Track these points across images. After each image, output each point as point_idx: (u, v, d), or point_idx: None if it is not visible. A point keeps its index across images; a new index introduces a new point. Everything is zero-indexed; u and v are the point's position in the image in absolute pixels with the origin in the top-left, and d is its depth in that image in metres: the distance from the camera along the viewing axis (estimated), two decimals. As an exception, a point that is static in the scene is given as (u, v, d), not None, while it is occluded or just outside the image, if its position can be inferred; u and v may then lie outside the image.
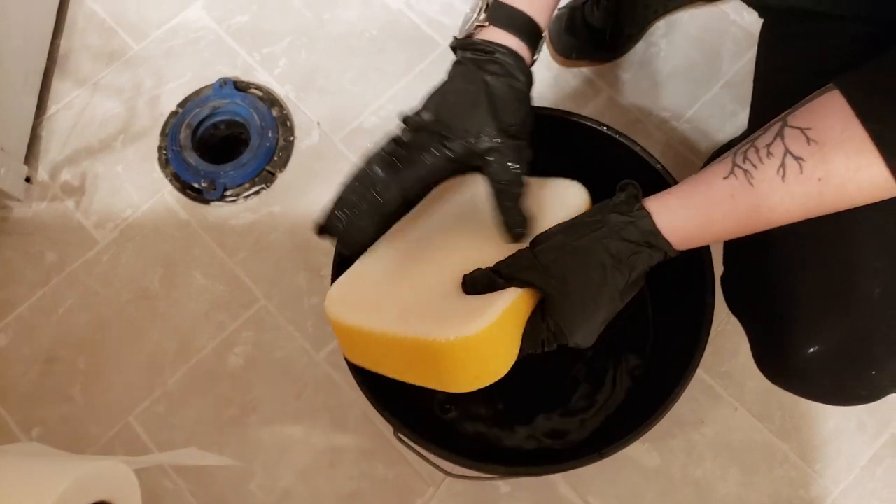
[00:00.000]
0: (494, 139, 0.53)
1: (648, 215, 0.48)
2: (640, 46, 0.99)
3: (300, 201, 0.95)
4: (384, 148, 0.55)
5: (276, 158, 0.96)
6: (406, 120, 0.55)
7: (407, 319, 0.51)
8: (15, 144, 0.94)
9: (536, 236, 0.51)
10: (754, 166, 0.45)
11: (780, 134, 0.45)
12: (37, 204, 0.96)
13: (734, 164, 0.46)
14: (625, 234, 0.48)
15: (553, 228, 0.51)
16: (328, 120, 0.99)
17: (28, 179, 0.96)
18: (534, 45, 0.56)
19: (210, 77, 1.01)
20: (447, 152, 0.53)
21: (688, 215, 0.48)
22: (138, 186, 0.96)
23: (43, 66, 1.01)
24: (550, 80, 0.99)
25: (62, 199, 0.96)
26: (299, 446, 0.84)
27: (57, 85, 1.02)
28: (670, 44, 1.00)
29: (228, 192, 0.95)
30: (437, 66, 1.01)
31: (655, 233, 0.48)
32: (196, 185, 0.95)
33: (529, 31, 0.54)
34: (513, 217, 0.55)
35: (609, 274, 0.48)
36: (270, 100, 0.99)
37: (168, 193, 0.96)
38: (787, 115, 0.46)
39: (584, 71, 0.99)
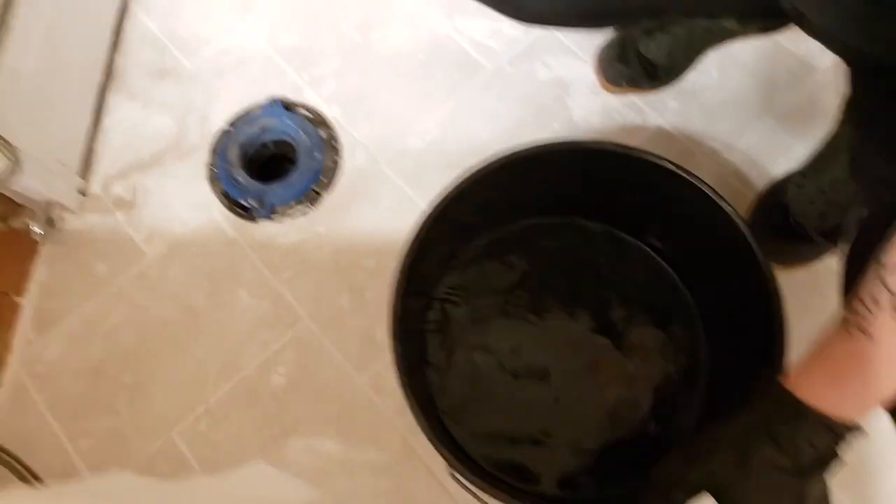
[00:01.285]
0: None
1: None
2: (690, 74, 0.98)
3: (345, 222, 0.96)
4: None
5: (322, 179, 0.97)
6: None
7: None
8: (72, 157, 0.96)
9: None
10: (865, 318, 0.44)
11: (878, 276, 0.44)
12: (89, 216, 0.98)
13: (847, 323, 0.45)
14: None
15: None
16: (374, 142, 1.00)
17: (82, 192, 0.98)
18: None
19: (260, 96, 1.03)
20: None
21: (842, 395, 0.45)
22: (187, 202, 0.98)
23: (99, 80, 1.03)
24: (598, 107, 0.98)
25: (113, 213, 0.98)
26: (338, 469, 0.84)
27: (112, 99, 1.04)
28: (722, 72, 0.99)
29: (275, 211, 0.96)
30: (482, 91, 1.01)
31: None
32: (244, 203, 0.96)
33: None
34: None
35: None
36: (318, 120, 1.00)
37: (216, 210, 0.97)
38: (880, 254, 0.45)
39: (633, 98, 0.98)
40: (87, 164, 1.00)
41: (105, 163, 1.01)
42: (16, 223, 0.78)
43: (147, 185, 0.99)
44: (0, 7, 0.82)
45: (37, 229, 0.77)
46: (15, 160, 0.70)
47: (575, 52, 1.02)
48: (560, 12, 0.67)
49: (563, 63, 1.02)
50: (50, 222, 0.79)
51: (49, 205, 0.91)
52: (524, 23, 0.69)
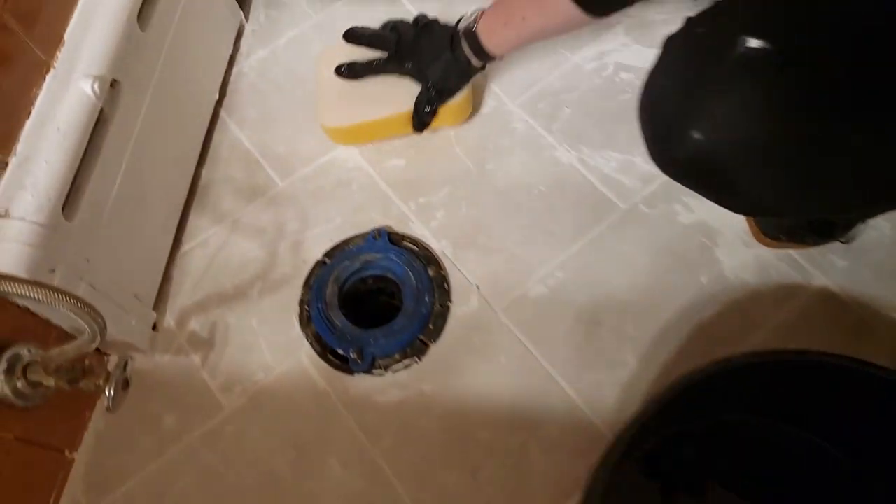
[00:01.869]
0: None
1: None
2: (857, 227, 0.86)
3: (455, 381, 0.82)
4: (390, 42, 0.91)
5: (430, 327, 0.84)
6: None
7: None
8: (147, 290, 0.85)
9: None
10: None
11: None
12: (160, 356, 0.85)
13: None
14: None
15: None
16: (489, 285, 0.87)
17: (154, 327, 0.86)
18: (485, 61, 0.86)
19: (360, 224, 0.92)
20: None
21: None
22: (273, 345, 0.85)
23: (184, 199, 0.93)
24: (751, 261, 0.85)
25: (187, 353, 0.85)
26: None
27: (194, 219, 0.94)
28: None
29: (376, 364, 0.83)
30: (614, 232, 0.89)
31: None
32: (341, 352, 0.83)
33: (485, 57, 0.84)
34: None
35: None
36: (427, 257, 0.88)
37: (306, 356, 0.84)
38: None
39: (792, 254, 0.86)
40: (161, 294, 0.88)
41: (183, 292, 0.89)
42: (86, 385, 0.66)
43: (228, 321, 0.87)
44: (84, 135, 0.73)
45: (109, 392, 0.65)
46: (100, 327, 0.58)
47: (718, 193, 0.90)
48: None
49: (706, 205, 0.89)
50: (125, 384, 0.66)
51: (120, 348, 0.79)
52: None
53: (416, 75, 0.89)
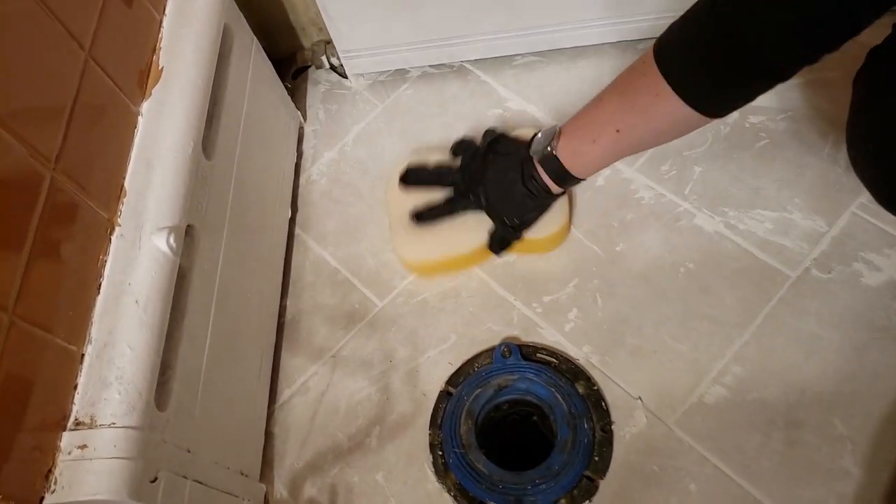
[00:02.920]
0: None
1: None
2: None
3: (640, 524, 0.67)
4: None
5: (595, 459, 0.69)
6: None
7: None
8: (251, 460, 0.71)
9: None
10: None
11: None
12: (276, 536, 0.72)
13: None
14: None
15: None
16: (653, 395, 0.72)
17: (266, 501, 0.72)
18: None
19: (480, 339, 0.78)
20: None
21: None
22: (408, 505, 0.71)
23: (273, 340, 0.80)
24: None
25: (309, 528, 0.71)
26: None
27: (287, 361, 0.81)
28: None
29: (539, 516, 0.68)
30: (789, 308, 0.74)
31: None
32: (492, 506, 0.68)
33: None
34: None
35: None
36: (571, 371, 0.74)
37: (451, 516, 0.70)
38: None
39: None
40: (265, 458, 0.75)
41: (289, 452, 0.75)
42: None
43: (349, 479, 0.73)
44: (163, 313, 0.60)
45: None
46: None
47: (906, 242, 0.75)
48: None
49: (894, 260, 0.75)
50: None
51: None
52: None
53: (488, 211, 0.76)
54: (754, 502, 0.66)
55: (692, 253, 0.79)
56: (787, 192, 0.80)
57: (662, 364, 0.73)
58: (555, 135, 0.68)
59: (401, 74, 0.98)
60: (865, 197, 0.78)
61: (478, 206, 0.76)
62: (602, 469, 0.69)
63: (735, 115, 0.85)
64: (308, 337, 0.82)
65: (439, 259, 0.80)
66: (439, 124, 0.93)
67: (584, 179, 0.70)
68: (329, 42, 0.95)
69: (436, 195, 0.80)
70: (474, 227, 0.78)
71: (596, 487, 0.69)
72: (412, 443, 0.74)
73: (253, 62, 0.81)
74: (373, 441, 0.75)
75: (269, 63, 0.86)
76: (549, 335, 0.77)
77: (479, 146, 0.78)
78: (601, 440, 0.70)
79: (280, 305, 0.83)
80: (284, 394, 0.79)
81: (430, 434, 0.74)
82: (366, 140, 0.94)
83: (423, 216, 0.79)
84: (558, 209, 0.78)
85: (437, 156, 0.82)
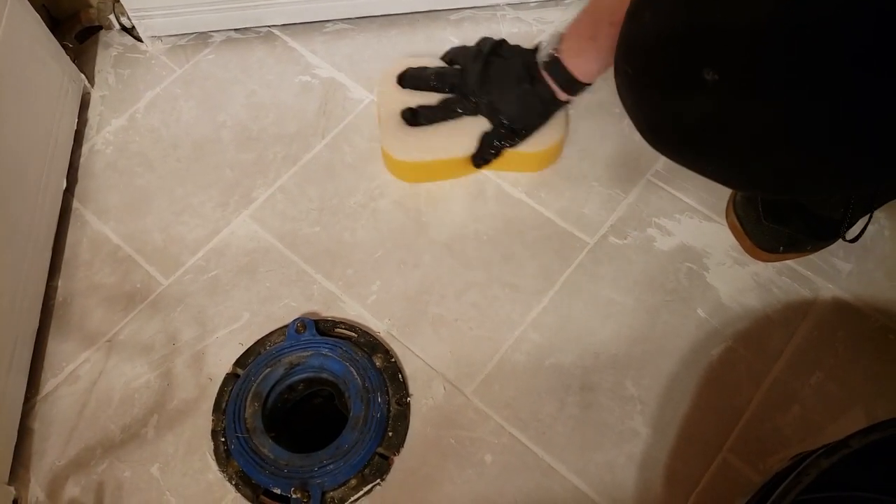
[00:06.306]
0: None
1: None
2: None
3: (433, 496, 0.64)
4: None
5: (389, 434, 0.66)
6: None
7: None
8: (-3, 459, 0.62)
9: None
10: None
11: None
12: (28, 546, 0.62)
13: None
14: None
15: None
16: (453, 365, 0.70)
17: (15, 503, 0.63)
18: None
19: (277, 316, 0.72)
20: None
21: None
22: (186, 498, 0.64)
23: (36, 325, 0.70)
24: (749, 280, 0.73)
25: (68, 533, 0.63)
26: None
27: (55, 348, 0.71)
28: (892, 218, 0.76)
29: (326, 499, 0.63)
30: (587, 275, 0.74)
31: None
32: (279, 492, 0.63)
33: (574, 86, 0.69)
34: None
35: None
36: (370, 344, 0.70)
37: (232, 506, 0.64)
38: None
39: (792, 265, 0.74)
40: (20, 458, 0.65)
41: (50, 450, 0.66)
42: None
43: (120, 475, 0.65)
44: None
45: None
46: None
47: (695, 207, 0.77)
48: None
49: (685, 226, 0.77)
50: None
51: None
52: None
53: (489, 113, 0.73)
54: (548, 469, 0.65)
55: (497, 221, 0.77)
56: (588, 161, 0.81)
57: (463, 333, 0.71)
58: (559, 38, 0.67)
59: (203, 39, 0.91)
60: (661, 164, 0.80)
61: (477, 110, 0.74)
62: (396, 445, 0.66)
63: (541, 85, 0.85)
64: (80, 321, 0.73)
65: (431, 161, 0.76)
66: (242, 91, 0.86)
67: (589, 84, 0.68)
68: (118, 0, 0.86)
69: (430, 98, 0.76)
70: (470, 132, 0.75)
71: (389, 465, 0.65)
72: (193, 431, 0.67)
73: (8, 11, 0.71)
74: (149, 431, 0.67)
75: (35, 14, 0.76)
76: (350, 309, 0.73)
77: (479, 49, 0.74)
78: (396, 414, 0.67)
79: (49, 286, 0.73)
80: (49, 384, 0.69)
81: (213, 420, 0.67)
82: (160, 107, 0.86)
83: (419, 117, 0.75)
84: (555, 125, 0.75)
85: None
